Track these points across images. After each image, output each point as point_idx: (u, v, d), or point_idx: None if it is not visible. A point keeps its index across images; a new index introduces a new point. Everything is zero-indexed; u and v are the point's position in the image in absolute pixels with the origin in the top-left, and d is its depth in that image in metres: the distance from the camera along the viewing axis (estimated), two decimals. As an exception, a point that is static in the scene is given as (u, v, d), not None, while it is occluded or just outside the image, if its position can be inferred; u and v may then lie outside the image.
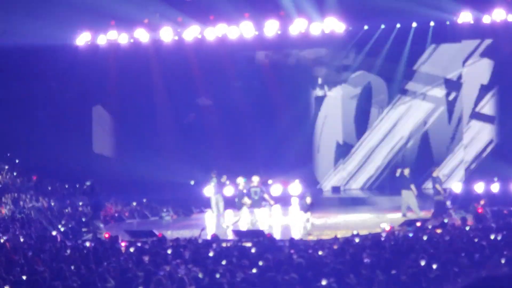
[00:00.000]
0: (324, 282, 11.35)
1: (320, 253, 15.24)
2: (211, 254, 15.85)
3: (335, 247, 16.34)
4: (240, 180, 24.05)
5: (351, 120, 31.19)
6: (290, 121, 30.75)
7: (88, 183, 22.99)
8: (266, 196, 23.79)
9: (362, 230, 21.26)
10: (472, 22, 28.40)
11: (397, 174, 25.36)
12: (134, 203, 27.91)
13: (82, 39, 31.08)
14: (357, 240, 17.78)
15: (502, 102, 29.20)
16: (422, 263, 13.34)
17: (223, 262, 14.28)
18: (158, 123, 31.46)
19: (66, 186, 29.44)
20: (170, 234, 21.82)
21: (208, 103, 31.89)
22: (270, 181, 29.48)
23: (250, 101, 30.96)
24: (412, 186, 24.63)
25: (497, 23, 28.21)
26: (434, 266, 12.87)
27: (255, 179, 23.62)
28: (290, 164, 29.90)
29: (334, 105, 31.39)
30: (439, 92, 30.64)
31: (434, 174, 25.03)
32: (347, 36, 30.07)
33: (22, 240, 19.65)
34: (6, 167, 30.22)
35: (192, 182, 29.89)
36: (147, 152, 30.36)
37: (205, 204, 28.06)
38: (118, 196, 27.39)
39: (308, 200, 22.81)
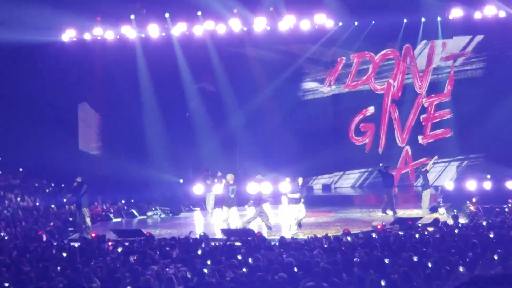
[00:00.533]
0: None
1: (309, 252, 15.22)
2: (199, 253, 15.85)
3: (326, 246, 16.36)
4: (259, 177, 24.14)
5: (342, 116, 31.13)
6: (280, 119, 30.68)
7: (78, 180, 22.81)
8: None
9: (353, 228, 21.31)
10: (463, 18, 28.59)
11: (381, 167, 25.65)
12: (122, 201, 27.85)
13: (68, 35, 31.01)
14: (348, 238, 17.81)
15: (493, 98, 29.15)
16: (414, 259, 13.38)
17: (212, 262, 14.28)
18: (145, 121, 31.39)
19: (52, 185, 29.35)
20: (158, 233, 21.81)
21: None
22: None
23: (239, 98, 30.93)
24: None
25: (488, 19, 28.35)
26: (429, 264, 12.90)
27: (230, 177, 23.63)
28: (281, 162, 29.93)
29: (324, 101, 31.29)
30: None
31: (428, 168, 25.32)
32: (337, 32, 30.11)
33: (7, 239, 19.57)
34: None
35: (181, 181, 29.84)
36: (134, 149, 30.33)
37: (194, 203, 28.07)
38: (105, 195, 27.30)
39: (300, 181, 22.73)
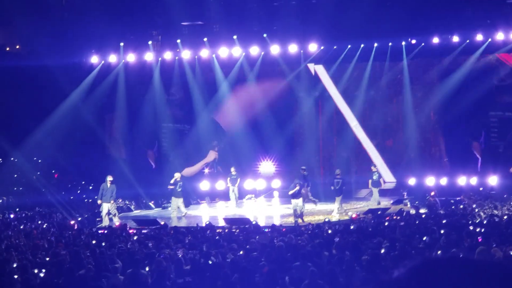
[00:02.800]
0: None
1: (296, 237, 15.22)
2: (206, 238, 15.84)
3: (309, 232, 16.38)
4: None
5: (324, 124, 30.98)
6: (275, 126, 30.48)
7: (110, 178, 22.88)
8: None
9: (333, 217, 21.34)
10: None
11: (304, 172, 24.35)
12: (146, 202, 27.78)
13: (96, 58, 31.06)
14: (329, 230, 17.74)
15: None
16: (384, 245, 13.37)
17: (216, 246, 14.28)
18: (159, 128, 31.38)
19: (83, 183, 29.28)
20: (171, 222, 21.81)
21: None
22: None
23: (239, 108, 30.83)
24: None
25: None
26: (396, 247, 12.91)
27: (177, 174, 23.90)
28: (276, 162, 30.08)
29: (309, 114, 31.12)
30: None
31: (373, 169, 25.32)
32: (320, 54, 30.03)
33: (46, 228, 19.57)
34: (38, 173, 30.00)
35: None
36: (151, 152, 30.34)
37: (200, 197, 28.08)
38: (127, 191, 27.28)
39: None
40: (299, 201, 21.74)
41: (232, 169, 27.04)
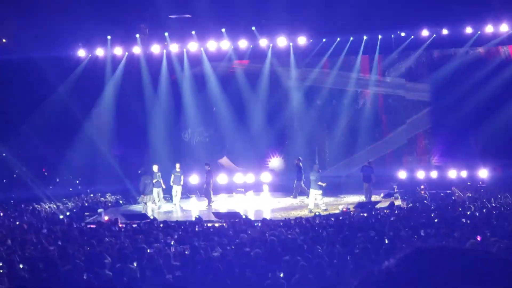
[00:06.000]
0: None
1: (286, 231, 15.24)
2: (195, 233, 15.86)
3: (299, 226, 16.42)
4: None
5: (314, 117, 30.96)
6: (264, 119, 30.48)
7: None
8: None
9: (323, 211, 21.39)
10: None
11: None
12: (131, 192, 27.73)
13: (84, 51, 30.95)
14: (317, 220, 17.86)
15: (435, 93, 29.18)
16: (374, 238, 13.43)
17: (205, 240, 14.29)
18: (147, 122, 31.31)
19: (71, 177, 29.20)
20: (160, 216, 21.80)
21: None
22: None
23: (229, 102, 30.76)
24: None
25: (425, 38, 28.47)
26: (386, 241, 12.98)
27: (155, 167, 23.85)
28: (263, 156, 30.04)
29: (299, 106, 31.15)
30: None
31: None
32: (309, 47, 30.05)
33: (34, 222, 19.51)
34: (25, 168, 29.86)
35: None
36: (140, 147, 30.25)
37: (190, 191, 28.02)
38: (115, 185, 27.23)
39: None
40: (320, 192, 22.08)
41: (177, 166, 25.63)
